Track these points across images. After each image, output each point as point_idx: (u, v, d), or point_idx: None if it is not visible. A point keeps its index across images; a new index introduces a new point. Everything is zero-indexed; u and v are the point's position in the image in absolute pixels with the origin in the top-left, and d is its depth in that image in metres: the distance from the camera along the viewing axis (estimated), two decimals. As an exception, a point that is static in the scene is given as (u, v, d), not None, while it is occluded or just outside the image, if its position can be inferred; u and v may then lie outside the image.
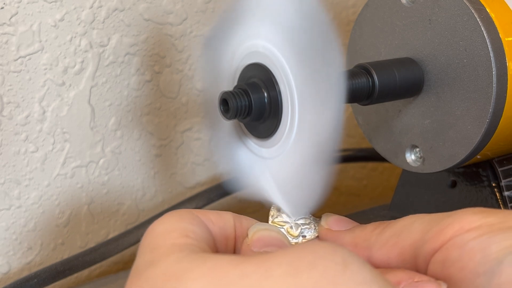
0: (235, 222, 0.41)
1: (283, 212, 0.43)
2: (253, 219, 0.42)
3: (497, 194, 0.55)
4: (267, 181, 0.47)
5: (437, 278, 0.37)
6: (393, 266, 0.39)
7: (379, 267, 0.40)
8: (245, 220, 0.42)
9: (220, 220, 0.41)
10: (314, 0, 0.42)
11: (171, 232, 0.37)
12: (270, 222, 0.43)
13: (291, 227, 0.43)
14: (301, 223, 0.43)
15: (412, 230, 0.39)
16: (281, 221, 0.43)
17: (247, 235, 0.41)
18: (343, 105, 0.42)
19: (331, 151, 0.43)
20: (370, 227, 0.41)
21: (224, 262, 0.34)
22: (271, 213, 0.44)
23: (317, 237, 0.43)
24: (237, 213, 0.43)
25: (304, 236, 0.43)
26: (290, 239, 0.43)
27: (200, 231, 0.38)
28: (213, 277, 0.33)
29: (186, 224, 0.38)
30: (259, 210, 0.48)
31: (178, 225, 0.38)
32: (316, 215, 0.44)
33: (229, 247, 0.41)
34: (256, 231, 0.41)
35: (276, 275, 0.33)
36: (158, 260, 0.35)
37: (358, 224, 0.43)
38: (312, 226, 0.43)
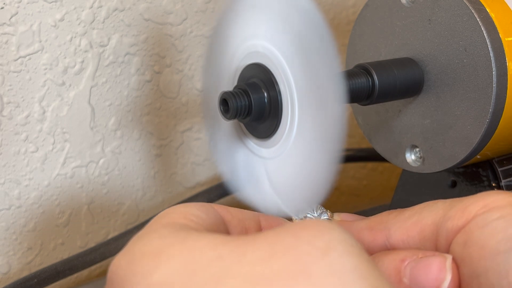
0: (260, 217, 0.41)
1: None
2: (282, 218, 0.42)
3: (497, 194, 0.55)
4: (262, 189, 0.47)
5: (456, 258, 0.37)
6: (412, 246, 0.39)
7: (397, 247, 0.39)
8: (273, 218, 0.42)
9: (240, 214, 0.40)
10: (312, 0, 0.42)
11: (170, 213, 0.37)
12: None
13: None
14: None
15: (434, 209, 0.39)
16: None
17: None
18: (344, 105, 0.42)
19: (332, 151, 0.43)
20: (385, 213, 0.41)
21: (205, 242, 0.33)
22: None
23: None
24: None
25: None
26: None
27: (206, 217, 0.38)
28: (188, 257, 0.33)
29: (190, 209, 0.38)
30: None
31: (180, 209, 0.37)
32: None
33: None
34: None
35: (248, 260, 0.32)
36: (142, 236, 0.35)
37: None
38: (329, 214, 0.44)
